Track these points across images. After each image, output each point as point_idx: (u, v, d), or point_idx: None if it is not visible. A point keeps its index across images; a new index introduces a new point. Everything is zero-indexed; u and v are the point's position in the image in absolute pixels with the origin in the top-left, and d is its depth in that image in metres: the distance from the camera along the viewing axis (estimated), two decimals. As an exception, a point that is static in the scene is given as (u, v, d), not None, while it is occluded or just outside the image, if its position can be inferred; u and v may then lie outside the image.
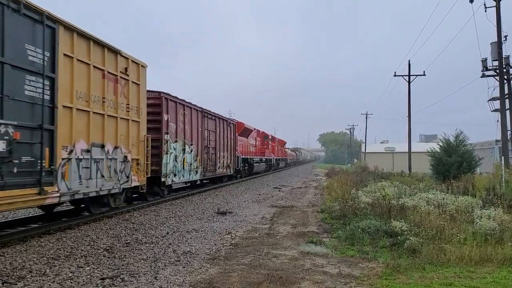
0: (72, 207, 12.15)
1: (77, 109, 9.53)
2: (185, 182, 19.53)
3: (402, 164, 41.02)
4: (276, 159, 47.75)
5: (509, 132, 22.66)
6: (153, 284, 5.79)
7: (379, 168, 39.16)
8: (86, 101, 9.93)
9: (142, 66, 12.85)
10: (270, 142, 43.72)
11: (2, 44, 7.44)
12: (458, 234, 8.00)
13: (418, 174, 29.19)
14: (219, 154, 23.10)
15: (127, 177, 11.89)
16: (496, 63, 21.12)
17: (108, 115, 10.82)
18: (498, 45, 20.36)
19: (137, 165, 12.59)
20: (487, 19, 20.69)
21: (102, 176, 10.60)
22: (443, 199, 11.62)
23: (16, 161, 7.64)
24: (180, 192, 18.47)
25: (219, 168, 23.09)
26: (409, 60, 38.28)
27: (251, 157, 33.36)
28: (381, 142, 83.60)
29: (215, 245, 8.41)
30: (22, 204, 8.06)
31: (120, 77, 11.52)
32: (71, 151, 9.29)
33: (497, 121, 21.51)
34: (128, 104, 11.95)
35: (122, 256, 7.37)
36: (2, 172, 7.29)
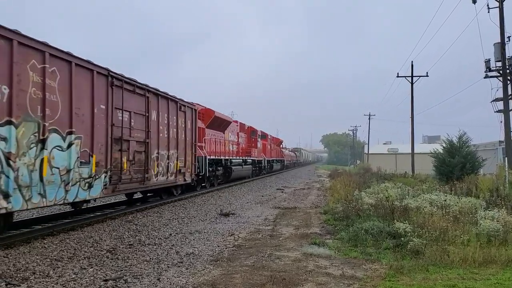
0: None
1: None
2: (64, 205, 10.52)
3: (405, 165, 40.91)
4: (268, 160, 40.80)
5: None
6: (156, 286, 5.80)
7: (382, 169, 39.06)
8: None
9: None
10: (260, 140, 36.39)
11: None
12: (462, 236, 7.98)
13: (421, 175, 29.13)
14: (158, 152, 14.27)
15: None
16: (499, 63, 21.02)
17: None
18: (501, 46, 20.28)
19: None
20: (490, 20, 20.64)
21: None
22: (446, 200, 11.59)
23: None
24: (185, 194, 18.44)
25: (158, 175, 14.36)
26: (412, 61, 38.11)
27: (228, 158, 25.40)
28: (384, 143, 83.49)
29: (218, 246, 8.41)
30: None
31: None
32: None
33: (501, 122, 21.41)
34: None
35: (125, 258, 7.38)
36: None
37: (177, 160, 15.81)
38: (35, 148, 8.40)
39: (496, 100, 22.72)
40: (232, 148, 27.19)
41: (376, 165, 45.09)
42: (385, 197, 12.26)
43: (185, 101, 16.72)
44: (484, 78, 22.42)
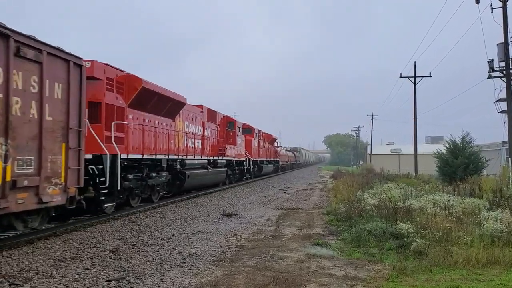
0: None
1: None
2: None
3: (408, 166, 40.82)
4: (256, 161, 32.36)
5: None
6: (159, 286, 5.81)
7: (385, 170, 39.02)
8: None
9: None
10: (241, 134, 27.59)
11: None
12: (465, 236, 7.95)
13: (424, 176, 29.06)
14: None
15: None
16: (502, 64, 20.96)
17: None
18: (504, 46, 20.21)
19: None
20: (493, 20, 20.58)
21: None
22: (450, 201, 11.56)
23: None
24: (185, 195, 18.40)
25: None
26: (415, 62, 38.12)
27: (180, 157, 16.92)
28: (387, 144, 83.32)
29: (221, 247, 8.41)
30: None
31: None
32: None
33: (504, 122, 21.35)
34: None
35: (128, 258, 7.38)
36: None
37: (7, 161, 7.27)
38: None
39: (500, 100, 22.66)
40: (191, 143, 18.49)
41: (379, 166, 45.06)
42: (388, 197, 12.24)
43: (40, 41, 8.23)
44: (488, 78, 22.36)
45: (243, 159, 28.09)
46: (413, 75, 34.47)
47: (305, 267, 6.81)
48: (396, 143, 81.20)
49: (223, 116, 24.93)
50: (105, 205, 11.55)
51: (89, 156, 10.72)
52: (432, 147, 38.70)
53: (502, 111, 22.59)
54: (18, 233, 8.80)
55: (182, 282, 5.97)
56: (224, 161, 23.21)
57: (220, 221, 11.86)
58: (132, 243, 8.66)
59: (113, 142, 11.78)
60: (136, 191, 13.60)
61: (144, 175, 14.03)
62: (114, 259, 7.32)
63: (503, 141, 33.05)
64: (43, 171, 8.16)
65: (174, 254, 7.75)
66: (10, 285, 5.82)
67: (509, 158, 18.59)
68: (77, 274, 6.32)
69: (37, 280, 6.01)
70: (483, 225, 8.56)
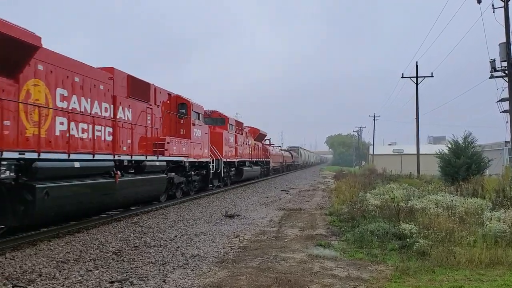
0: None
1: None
2: None
3: (411, 166, 40.74)
4: (231, 162, 24.60)
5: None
6: None
7: (387, 170, 38.93)
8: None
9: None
10: (202, 124, 19.22)
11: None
12: (468, 237, 7.94)
13: (427, 176, 28.99)
14: None
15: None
16: (504, 63, 20.92)
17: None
18: (506, 46, 20.16)
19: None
20: (495, 20, 20.55)
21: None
22: (452, 201, 11.54)
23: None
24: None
25: None
26: (416, 62, 38.08)
27: (36, 156, 8.70)
28: (389, 144, 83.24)
29: (224, 248, 8.41)
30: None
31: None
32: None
33: (506, 122, 21.30)
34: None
35: (131, 260, 7.40)
36: None
37: None
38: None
39: (502, 100, 22.61)
40: (73, 130, 10.29)
41: (381, 166, 44.93)
42: (391, 198, 12.21)
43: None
44: (490, 78, 22.33)
45: (207, 159, 19.65)
46: (415, 75, 34.46)
47: (308, 268, 6.81)
48: (398, 143, 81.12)
49: (169, 95, 16.45)
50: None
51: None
52: (434, 147, 38.67)
53: (504, 111, 22.54)
54: (23, 235, 8.82)
55: (185, 283, 5.98)
56: (165, 163, 15.04)
57: (223, 222, 11.86)
58: (135, 245, 8.67)
59: None
60: None
61: None
62: (117, 261, 7.33)
63: (505, 141, 32.99)
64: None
65: (177, 255, 7.76)
66: (13, 287, 5.84)
67: (512, 158, 18.54)
68: (80, 276, 6.34)
69: (40, 282, 6.02)
70: (486, 225, 8.54)
